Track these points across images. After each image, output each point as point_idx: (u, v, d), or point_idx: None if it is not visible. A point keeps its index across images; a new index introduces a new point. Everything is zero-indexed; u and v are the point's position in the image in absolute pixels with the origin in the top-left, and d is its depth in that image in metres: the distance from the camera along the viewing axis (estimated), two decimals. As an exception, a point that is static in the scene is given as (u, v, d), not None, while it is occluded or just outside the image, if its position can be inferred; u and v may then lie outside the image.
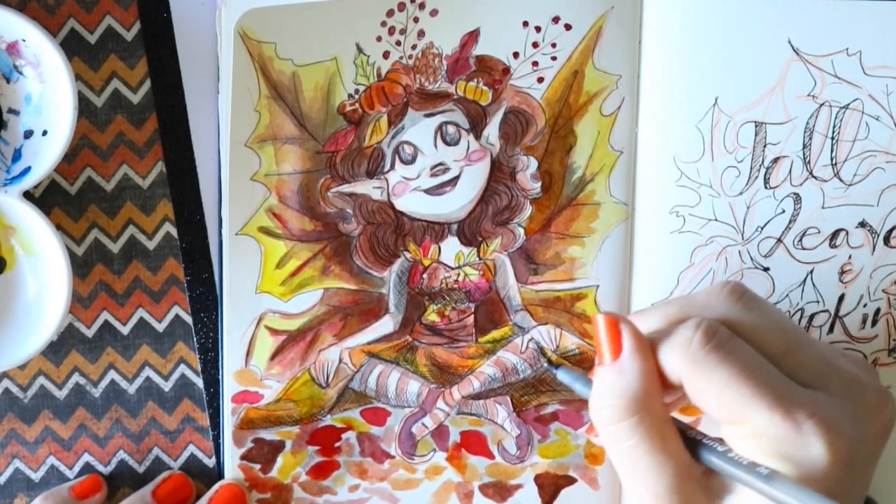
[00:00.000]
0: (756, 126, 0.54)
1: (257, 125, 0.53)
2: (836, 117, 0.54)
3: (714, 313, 0.44)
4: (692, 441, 0.45)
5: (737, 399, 0.42)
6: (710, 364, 0.43)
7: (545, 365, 0.56)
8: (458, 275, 0.56)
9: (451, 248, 0.55)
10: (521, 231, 0.55)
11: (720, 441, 0.44)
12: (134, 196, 0.55)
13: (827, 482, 0.41)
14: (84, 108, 0.54)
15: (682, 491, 0.44)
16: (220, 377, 0.56)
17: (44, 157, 0.53)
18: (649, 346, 0.44)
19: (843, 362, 0.45)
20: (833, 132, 0.54)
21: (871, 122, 0.54)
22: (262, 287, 0.55)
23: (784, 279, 0.56)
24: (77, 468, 0.57)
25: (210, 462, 0.57)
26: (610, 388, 0.44)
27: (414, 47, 0.53)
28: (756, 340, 0.44)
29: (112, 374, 0.56)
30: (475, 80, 0.54)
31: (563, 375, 0.49)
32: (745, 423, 0.42)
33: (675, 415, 0.47)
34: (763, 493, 0.41)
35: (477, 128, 0.54)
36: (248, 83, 0.53)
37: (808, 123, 0.54)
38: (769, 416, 0.42)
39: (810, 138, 0.54)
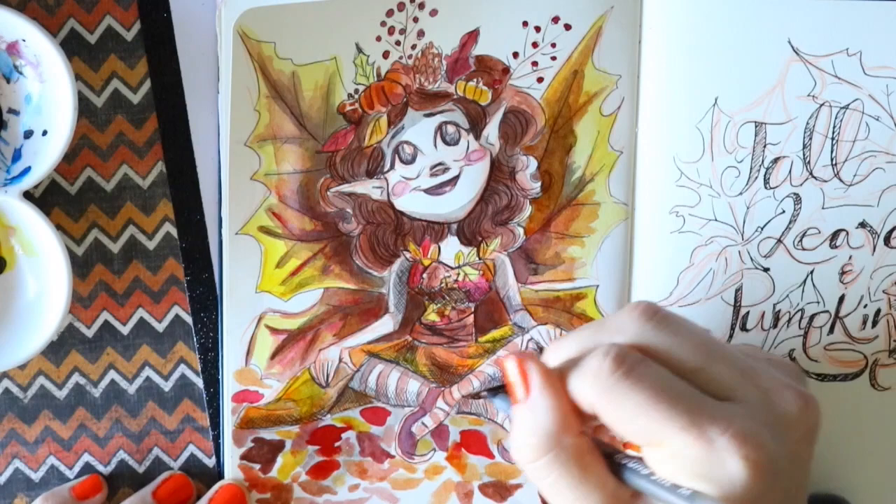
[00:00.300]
0: (756, 126, 0.54)
1: (257, 124, 0.53)
2: (836, 117, 0.54)
3: (626, 337, 0.44)
4: (617, 465, 0.44)
5: (651, 423, 0.42)
6: (620, 391, 0.42)
7: (483, 394, 0.56)
8: (458, 274, 0.56)
9: (450, 248, 0.55)
10: (521, 231, 0.55)
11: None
12: (134, 196, 0.55)
13: (750, 496, 0.41)
14: (84, 108, 0.54)
15: None
16: (220, 377, 0.56)
17: (44, 157, 0.53)
18: (558, 380, 0.44)
19: (763, 369, 0.44)
20: (833, 132, 0.54)
21: (871, 122, 0.54)
22: (262, 286, 0.55)
23: (784, 280, 0.56)
24: (77, 468, 0.57)
25: (210, 462, 0.57)
26: (523, 427, 0.44)
27: (414, 47, 0.53)
28: (669, 360, 0.43)
29: (112, 374, 0.57)
30: (475, 79, 0.54)
31: (499, 403, 0.49)
32: (662, 446, 0.42)
33: (603, 436, 0.47)
34: None
35: (476, 128, 0.54)
36: (247, 83, 0.53)
37: (808, 124, 0.54)
38: (683, 438, 0.41)
39: (810, 138, 0.54)
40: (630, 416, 0.42)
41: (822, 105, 0.54)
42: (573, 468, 0.43)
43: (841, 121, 0.54)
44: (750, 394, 0.43)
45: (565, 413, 0.44)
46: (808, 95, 0.53)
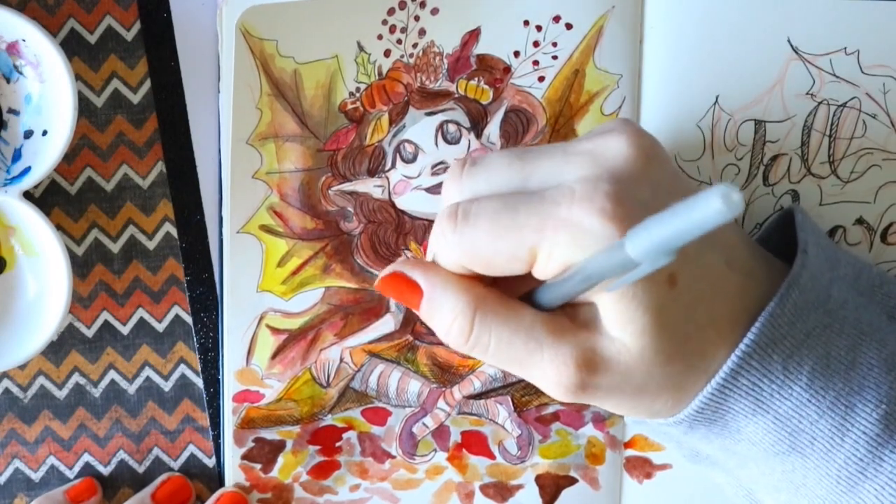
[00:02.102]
0: (756, 124, 0.54)
1: (258, 123, 0.53)
2: (834, 115, 0.54)
3: (451, 199, 0.46)
4: (530, 299, 0.45)
5: (511, 244, 0.43)
6: (469, 236, 0.43)
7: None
8: (459, 274, 0.56)
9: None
10: (522, 230, 0.56)
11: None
12: (134, 196, 0.55)
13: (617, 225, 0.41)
14: (84, 108, 0.54)
15: (572, 342, 0.44)
16: (220, 377, 0.56)
17: (44, 157, 0.53)
18: (431, 265, 0.46)
19: (578, 141, 0.45)
20: (831, 130, 0.54)
21: (868, 119, 0.54)
22: (263, 286, 0.55)
23: (783, 277, 0.56)
24: (77, 468, 0.57)
25: (210, 462, 0.57)
26: (439, 321, 0.45)
27: (415, 46, 0.53)
28: (496, 190, 0.44)
29: (112, 374, 0.56)
30: (476, 78, 0.54)
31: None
32: (537, 257, 0.43)
33: None
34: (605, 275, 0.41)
35: (478, 127, 0.54)
36: (249, 80, 0.53)
37: (806, 121, 0.54)
38: (544, 236, 0.42)
39: (808, 136, 0.54)
40: (493, 251, 0.43)
41: (820, 103, 0.54)
42: (502, 316, 0.44)
43: (839, 118, 0.54)
44: (576, 163, 0.43)
45: (457, 282, 0.45)
46: (807, 94, 0.54)
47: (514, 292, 0.46)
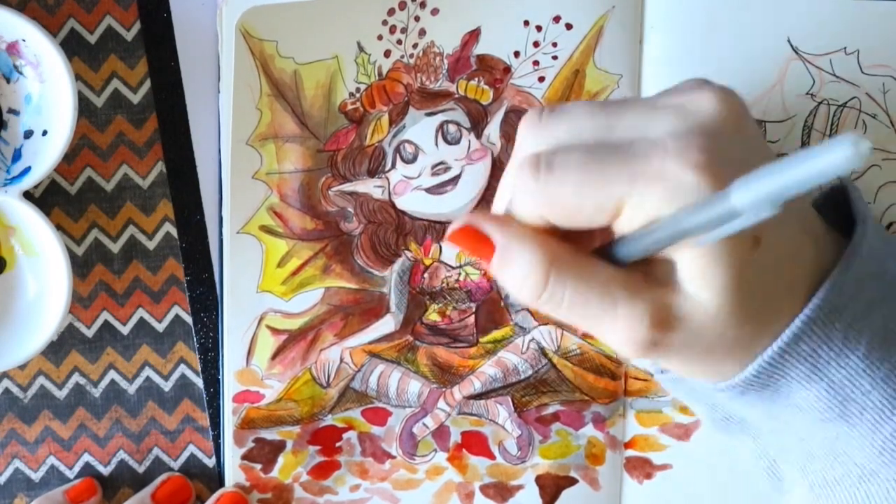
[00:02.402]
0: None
1: (258, 123, 0.53)
2: (834, 115, 0.54)
3: (529, 149, 0.44)
4: (604, 252, 0.44)
5: (598, 195, 0.41)
6: (553, 187, 0.42)
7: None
8: (460, 274, 0.56)
9: (452, 248, 0.55)
10: (522, 230, 0.55)
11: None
12: (134, 196, 0.55)
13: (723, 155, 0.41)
14: (84, 108, 0.54)
15: (647, 299, 0.43)
16: (220, 377, 0.56)
17: (44, 157, 0.53)
18: (507, 218, 0.44)
19: (665, 95, 0.44)
20: (831, 130, 0.54)
21: (868, 119, 0.54)
22: (263, 286, 0.55)
23: (783, 277, 0.56)
24: (77, 468, 0.57)
25: (210, 462, 0.57)
26: (512, 278, 0.43)
27: (415, 46, 0.53)
28: (578, 139, 0.43)
29: (112, 374, 0.56)
30: (476, 79, 0.54)
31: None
32: (622, 211, 0.42)
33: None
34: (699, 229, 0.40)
35: (478, 127, 0.54)
36: (249, 81, 0.53)
37: (806, 121, 0.54)
38: (633, 187, 0.41)
39: (809, 136, 0.54)
40: (578, 202, 0.42)
41: (820, 103, 0.54)
42: (577, 271, 0.43)
43: (839, 118, 0.54)
44: (665, 118, 0.42)
45: (532, 235, 0.43)
46: (807, 94, 0.54)
47: (584, 247, 0.46)
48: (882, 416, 0.45)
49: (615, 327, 0.43)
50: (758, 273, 0.43)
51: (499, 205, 0.45)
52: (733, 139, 0.42)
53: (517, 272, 0.43)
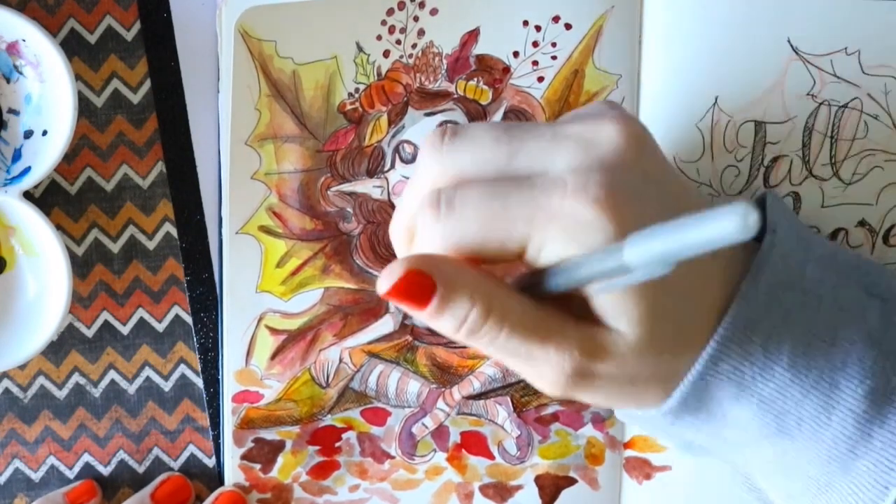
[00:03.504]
0: (756, 125, 0.54)
1: (257, 123, 0.53)
2: (835, 116, 0.54)
3: (432, 180, 0.44)
4: (533, 287, 0.44)
5: (501, 233, 0.42)
6: (455, 226, 0.42)
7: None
8: (459, 274, 0.56)
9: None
10: (522, 230, 0.55)
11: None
12: (134, 196, 0.55)
13: (617, 230, 0.41)
14: (84, 108, 0.54)
15: (575, 333, 0.43)
16: (220, 377, 0.56)
17: (44, 157, 0.53)
18: (419, 262, 0.42)
19: (569, 122, 0.44)
20: (832, 131, 0.54)
21: (869, 120, 0.54)
22: (262, 286, 0.55)
23: (784, 278, 0.56)
24: (77, 468, 0.57)
25: (210, 462, 0.57)
26: (447, 324, 0.43)
27: (414, 46, 0.53)
28: (480, 171, 0.43)
29: (112, 374, 0.56)
30: (475, 79, 0.54)
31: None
32: (528, 245, 0.42)
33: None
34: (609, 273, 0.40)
35: (477, 127, 0.54)
36: (248, 81, 0.53)
37: (807, 122, 0.54)
38: (535, 226, 0.41)
39: (809, 137, 0.54)
40: (481, 241, 0.42)
41: (821, 104, 0.54)
42: (514, 315, 0.43)
43: (840, 119, 0.54)
44: (566, 150, 0.42)
45: (472, 280, 0.42)
46: (808, 94, 0.54)
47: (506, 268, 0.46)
48: (819, 423, 0.44)
49: (547, 360, 0.43)
50: (671, 300, 0.43)
51: (397, 236, 0.45)
52: (633, 172, 0.42)
53: (458, 313, 0.42)
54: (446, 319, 0.43)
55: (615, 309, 0.43)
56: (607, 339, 0.43)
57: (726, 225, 0.32)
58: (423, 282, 0.42)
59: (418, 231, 0.43)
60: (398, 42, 0.53)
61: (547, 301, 0.44)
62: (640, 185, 0.42)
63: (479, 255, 0.43)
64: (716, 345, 0.44)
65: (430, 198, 0.43)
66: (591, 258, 0.40)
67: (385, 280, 0.42)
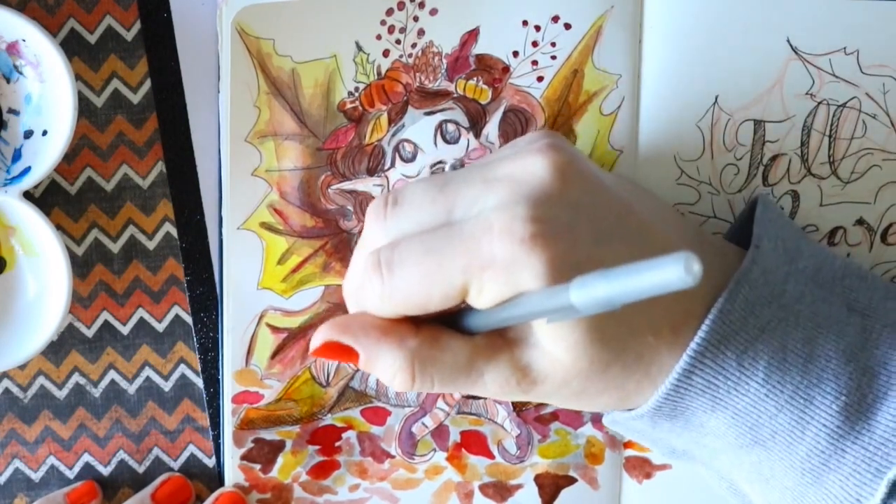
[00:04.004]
0: (755, 124, 0.54)
1: (257, 121, 0.53)
2: (833, 115, 0.54)
3: (378, 243, 0.46)
4: (461, 321, 0.46)
5: (442, 285, 0.43)
6: (398, 286, 0.44)
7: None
8: (459, 273, 0.56)
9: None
10: (521, 230, 0.55)
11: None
12: (134, 196, 0.55)
13: (554, 267, 0.41)
14: (84, 108, 0.55)
15: (507, 360, 0.45)
16: (220, 377, 0.56)
17: (44, 157, 0.53)
18: (362, 323, 0.46)
19: (498, 161, 0.45)
20: (831, 130, 0.54)
21: (868, 120, 0.54)
22: (263, 283, 0.55)
23: (783, 277, 0.56)
24: (77, 468, 0.57)
25: (210, 462, 0.57)
26: (384, 376, 0.46)
27: (414, 46, 0.53)
28: (413, 223, 0.45)
29: (112, 374, 0.56)
30: (475, 78, 0.54)
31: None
32: (469, 291, 0.43)
33: None
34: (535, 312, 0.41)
35: (477, 126, 0.54)
36: (246, 79, 0.53)
37: (806, 121, 0.54)
38: (472, 273, 0.42)
39: (808, 136, 0.54)
40: (424, 296, 0.43)
41: (819, 103, 0.54)
42: (439, 360, 0.45)
43: (838, 119, 0.54)
44: (495, 191, 0.43)
45: (389, 338, 0.45)
46: (807, 94, 0.54)
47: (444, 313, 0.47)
48: (793, 437, 0.45)
49: (487, 391, 0.46)
50: (613, 324, 0.44)
51: (349, 298, 0.48)
52: (561, 204, 0.43)
53: (385, 372, 0.46)
54: (378, 374, 0.46)
55: (554, 335, 0.44)
56: (544, 360, 0.45)
57: (669, 273, 0.33)
58: (344, 349, 0.46)
59: (365, 294, 0.45)
60: (398, 42, 0.53)
61: (487, 333, 0.46)
62: (570, 216, 0.43)
63: (426, 310, 0.45)
64: (689, 359, 0.44)
65: (371, 260, 0.45)
66: (534, 298, 0.41)
67: (312, 342, 0.47)
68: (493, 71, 0.54)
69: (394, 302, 0.45)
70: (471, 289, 0.43)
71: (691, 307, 0.45)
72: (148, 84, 0.55)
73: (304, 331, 0.55)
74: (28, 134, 0.53)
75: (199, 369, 0.56)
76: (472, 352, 0.45)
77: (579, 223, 0.43)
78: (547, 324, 0.43)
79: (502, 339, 0.45)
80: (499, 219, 0.42)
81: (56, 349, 0.56)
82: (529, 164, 0.44)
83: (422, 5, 0.53)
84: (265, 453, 0.57)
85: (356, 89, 0.54)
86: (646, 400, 0.46)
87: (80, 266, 0.55)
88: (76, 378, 0.56)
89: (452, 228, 0.43)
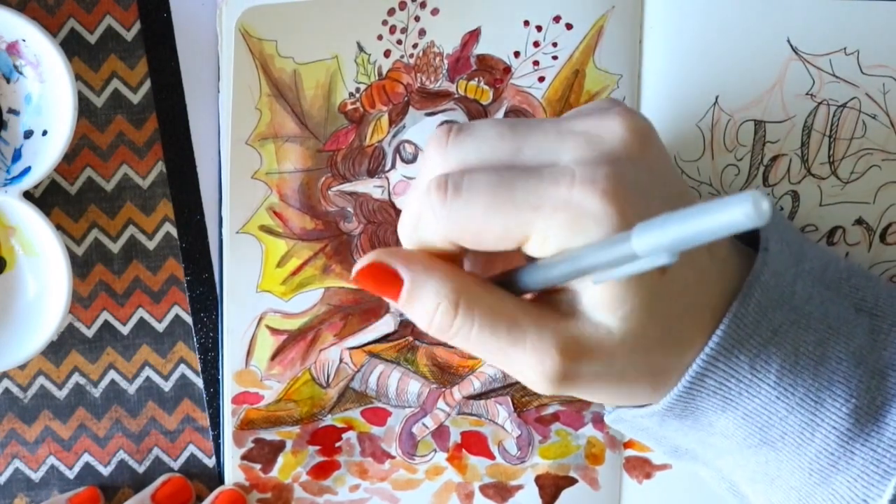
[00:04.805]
0: (755, 124, 0.54)
1: (258, 123, 0.53)
2: (833, 116, 0.54)
3: (436, 171, 0.44)
4: (510, 281, 0.44)
5: (506, 220, 0.42)
6: (460, 211, 0.42)
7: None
8: (459, 274, 0.56)
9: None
10: (522, 230, 0.55)
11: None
12: (134, 196, 0.55)
13: (622, 222, 0.41)
14: (84, 108, 0.54)
15: (554, 330, 0.43)
16: (220, 377, 0.56)
17: (44, 157, 0.53)
18: (407, 252, 0.44)
19: (574, 118, 0.44)
20: (831, 130, 0.54)
21: (868, 120, 0.54)
22: (262, 286, 0.55)
23: (783, 277, 0.56)
24: (77, 468, 0.57)
25: (210, 462, 0.57)
26: (422, 313, 0.44)
27: (415, 46, 0.53)
28: (486, 162, 0.43)
29: (112, 374, 0.56)
30: (476, 79, 0.54)
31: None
32: (530, 237, 0.42)
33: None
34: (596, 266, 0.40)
35: (477, 127, 0.54)
36: (249, 81, 0.53)
37: (806, 122, 0.54)
38: (540, 214, 0.41)
39: (808, 136, 0.54)
40: (485, 226, 0.42)
41: (820, 103, 0.54)
42: (486, 303, 0.43)
43: (838, 119, 0.54)
44: (573, 145, 0.43)
45: (440, 268, 0.43)
46: (807, 94, 0.54)
47: (490, 269, 0.46)
48: (803, 438, 0.45)
49: (525, 359, 0.43)
50: (664, 300, 0.43)
51: (404, 230, 0.45)
52: (639, 165, 0.43)
53: (427, 305, 0.43)
54: (417, 310, 0.44)
55: (610, 301, 0.43)
56: (594, 334, 0.43)
57: (738, 212, 0.32)
58: (388, 274, 0.44)
59: (423, 215, 0.44)
60: (399, 42, 0.53)
61: (536, 300, 0.44)
62: (645, 180, 0.43)
63: (480, 243, 0.43)
64: (702, 362, 0.44)
65: (438, 181, 0.43)
66: (598, 246, 0.40)
67: (356, 266, 0.44)
68: (494, 71, 0.54)
69: (452, 225, 0.43)
70: (535, 231, 0.42)
71: (725, 297, 0.44)
72: (148, 84, 0.55)
73: (304, 332, 0.55)
74: (28, 134, 0.53)
75: (199, 369, 0.56)
76: (521, 308, 0.43)
77: (654, 187, 0.43)
78: (594, 284, 0.42)
79: (550, 308, 0.44)
80: (580, 170, 0.42)
81: (56, 349, 0.56)
82: (609, 123, 0.43)
83: (423, 5, 0.53)
84: (265, 453, 0.57)
85: (357, 90, 0.53)
86: (661, 397, 0.46)
87: (80, 266, 0.55)
88: (76, 378, 0.56)
89: (528, 169, 0.42)
